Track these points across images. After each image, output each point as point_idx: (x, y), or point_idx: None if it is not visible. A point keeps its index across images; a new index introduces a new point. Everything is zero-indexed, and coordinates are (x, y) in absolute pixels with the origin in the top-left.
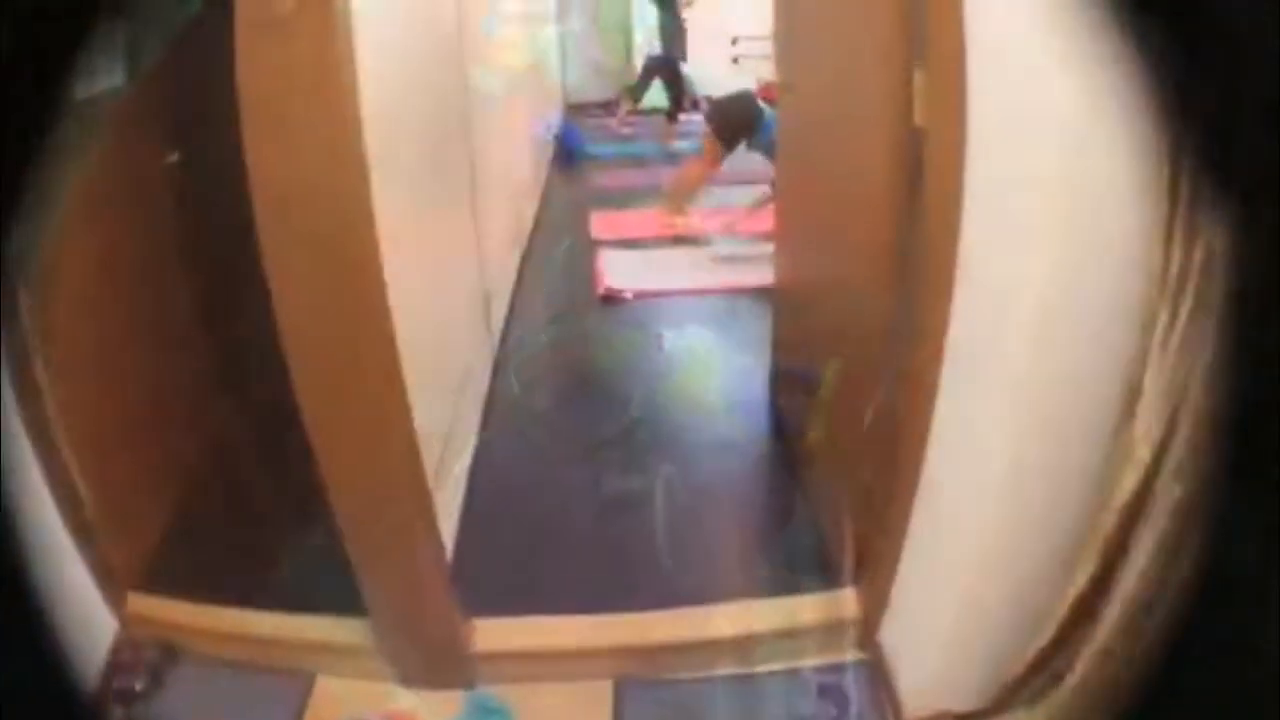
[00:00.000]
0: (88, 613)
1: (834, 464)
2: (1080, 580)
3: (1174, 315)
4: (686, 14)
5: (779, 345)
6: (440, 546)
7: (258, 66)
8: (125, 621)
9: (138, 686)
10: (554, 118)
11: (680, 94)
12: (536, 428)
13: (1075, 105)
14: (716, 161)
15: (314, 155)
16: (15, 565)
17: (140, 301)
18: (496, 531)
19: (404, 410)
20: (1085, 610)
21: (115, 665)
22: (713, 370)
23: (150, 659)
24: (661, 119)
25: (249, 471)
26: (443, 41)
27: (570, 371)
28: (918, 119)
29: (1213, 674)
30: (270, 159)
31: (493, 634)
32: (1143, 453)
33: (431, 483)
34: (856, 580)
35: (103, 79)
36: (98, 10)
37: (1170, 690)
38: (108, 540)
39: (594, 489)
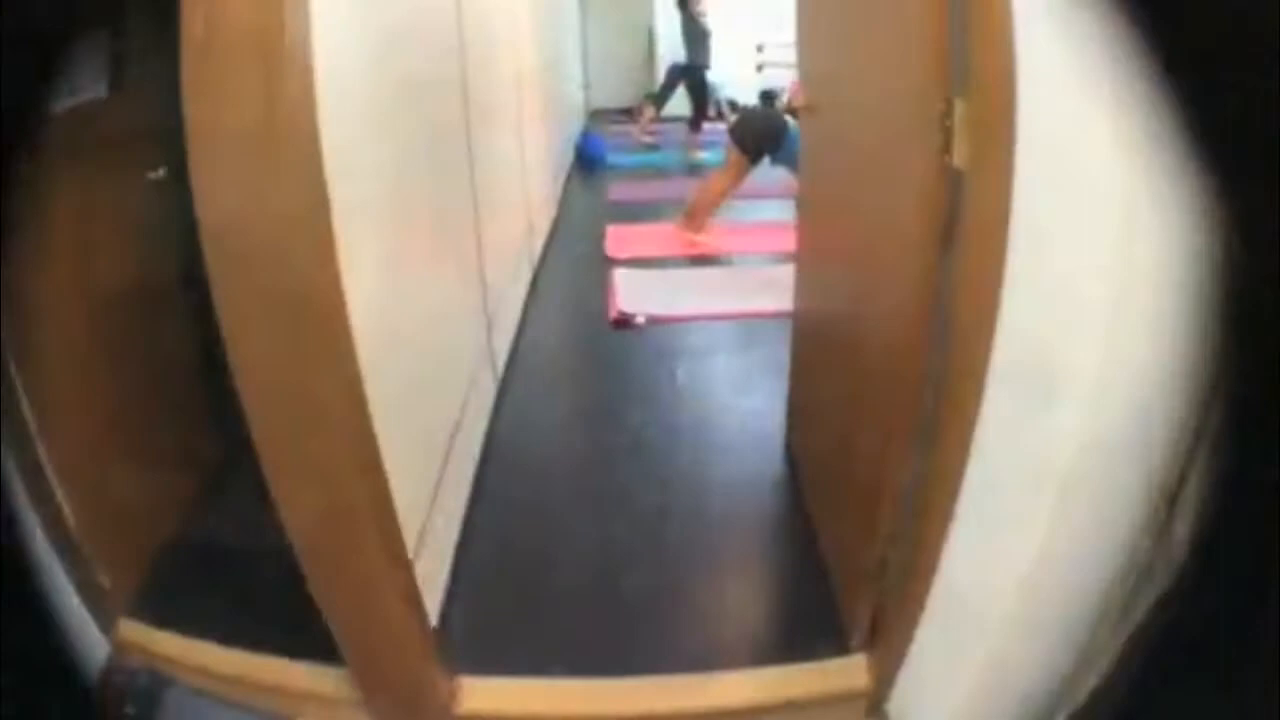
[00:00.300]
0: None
1: (851, 523)
2: (1102, 673)
3: None
4: (711, 20)
5: (796, 380)
6: (419, 603)
7: (204, 88)
8: (116, 647)
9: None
10: (575, 125)
11: (703, 102)
12: (536, 470)
13: (1129, 169)
14: (740, 176)
15: (267, 185)
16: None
17: (127, 323)
18: (491, 584)
19: (374, 463)
20: (1104, 702)
21: (105, 692)
22: (726, 407)
23: (141, 684)
24: (684, 127)
25: (241, 503)
26: (443, 47)
27: (575, 408)
28: (957, 159)
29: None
30: (218, 189)
31: (481, 695)
32: (1181, 552)
33: (418, 533)
34: (868, 647)
35: (86, 90)
36: (80, 20)
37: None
38: (98, 565)
39: (596, 539)
